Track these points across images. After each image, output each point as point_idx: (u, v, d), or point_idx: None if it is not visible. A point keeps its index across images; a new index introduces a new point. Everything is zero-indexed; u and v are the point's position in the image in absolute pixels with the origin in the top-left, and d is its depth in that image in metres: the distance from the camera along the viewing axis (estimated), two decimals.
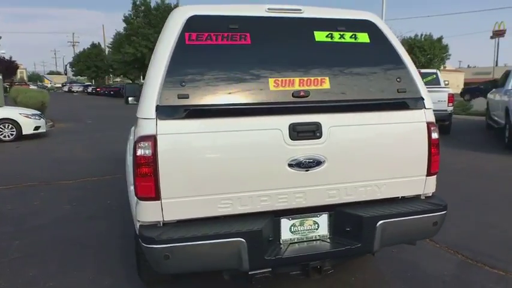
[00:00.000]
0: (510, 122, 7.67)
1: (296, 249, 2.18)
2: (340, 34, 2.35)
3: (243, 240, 2.00)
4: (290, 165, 2.13)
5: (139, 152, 1.97)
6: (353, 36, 2.38)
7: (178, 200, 2.03)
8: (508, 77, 8.82)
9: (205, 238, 1.97)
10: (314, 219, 2.27)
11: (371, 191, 2.30)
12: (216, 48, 2.15)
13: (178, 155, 2.00)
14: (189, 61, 2.09)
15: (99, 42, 59.65)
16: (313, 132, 2.14)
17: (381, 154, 2.29)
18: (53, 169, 7.24)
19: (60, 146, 9.93)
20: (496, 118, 8.97)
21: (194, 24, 2.15)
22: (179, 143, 2.00)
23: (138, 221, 2.09)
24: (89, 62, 56.55)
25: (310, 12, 2.39)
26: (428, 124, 2.34)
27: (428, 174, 2.38)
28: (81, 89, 55.68)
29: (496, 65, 37.92)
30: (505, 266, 3.15)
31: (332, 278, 2.87)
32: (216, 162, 2.06)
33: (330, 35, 2.34)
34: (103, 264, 3.36)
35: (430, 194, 2.47)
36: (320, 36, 2.32)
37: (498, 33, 36.09)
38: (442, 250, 3.50)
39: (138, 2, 34.05)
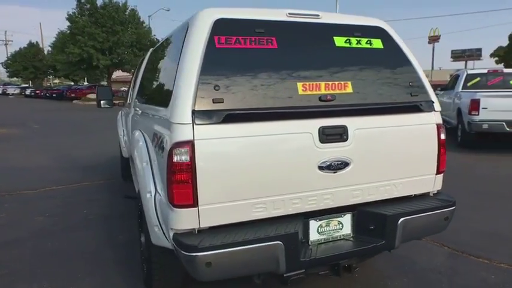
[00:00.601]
0: (462, 122, 8.32)
1: (325, 249, 2.23)
2: (357, 40, 2.45)
3: (281, 243, 2.01)
4: (320, 168, 2.18)
5: (176, 159, 1.92)
6: (368, 42, 2.48)
7: (214, 206, 2.00)
8: (457, 80, 9.57)
9: (245, 243, 1.95)
10: (339, 219, 2.34)
11: (389, 190, 2.41)
12: (245, 52, 2.14)
13: (215, 161, 1.97)
14: (221, 65, 2.07)
15: (37, 41, 56.07)
16: (340, 135, 2.21)
17: (398, 154, 2.41)
18: (12, 178, 6.73)
19: (12, 153, 9.21)
20: (447, 119, 9.69)
21: (221, 27, 2.13)
22: (216, 148, 1.97)
23: (172, 229, 2.02)
24: (26, 62, 52.91)
25: (327, 18, 2.46)
26: (438, 125, 2.50)
27: (438, 172, 2.54)
28: (17, 91, 51.99)
29: (432, 68, 40.80)
30: (487, 255, 3.43)
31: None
32: (251, 166, 2.05)
33: (348, 41, 2.42)
34: (100, 277, 3.20)
35: (436, 191, 2.64)
36: (339, 41, 2.40)
37: (433, 39, 38.98)
38: (429, 243, 3.72)
39: (83, 0, 32.44)
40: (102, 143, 10.62)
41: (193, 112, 1.95)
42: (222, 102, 1.99)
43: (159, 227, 2.38)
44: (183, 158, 1.92)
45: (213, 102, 1.98)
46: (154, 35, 35.18)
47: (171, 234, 2.03)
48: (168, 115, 2.03)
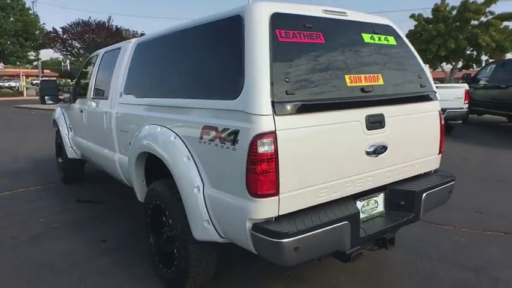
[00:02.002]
0: None
1: (371, 225, 2.46)
2: (378, 37, 2.71)
3: (348, 222, 2.18)
4: (367, 153, 2.40)
5: (261, 149, 1.95)
6: (386, 39, 2.77)
7: (290, 194, 2.07)
8: None
9: (323, 226, 2.07)
10: (375, 198, 2.59)
11: (410, 170, 2.75)
12: (302, 46, 2.24)
13: (293, 150, 2.05)
14: (286, 58, 2.14)
15: None
16: (379, 122, 2.45)
17: (416, 138, 2.75)
18: None
19: None
20: None
21: (279, 21, 2.20)
22: (292, 138, 2.05)
23: (251, 219, 2.04)
24: None
25: (352, 15, 2.67)
26: (439, 112, 2.92)
27: (439, 152, 2.96)
28: None
29: None
30: (452, 223, 4.06)
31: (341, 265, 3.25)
32: (318, 154, 2.18)
33: (372, 37, 2.68)
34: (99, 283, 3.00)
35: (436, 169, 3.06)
36: (367, 37, 2.64)
37: None
38: None
39: None
40: (18, 144, 9.46)
41: (273, 104, 1.99)
42: (294, 94, 2.07)
43: (209, 221, 2.36)
44: (267, 148, 1.96)
45: (286, 94, 2.05)
46: (44, 24, 31.58)
47: (249, 224, 2.04)
48: (243, 107, 2.03)
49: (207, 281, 2.77)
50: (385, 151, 2.48)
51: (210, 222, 2.36)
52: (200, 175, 2.38)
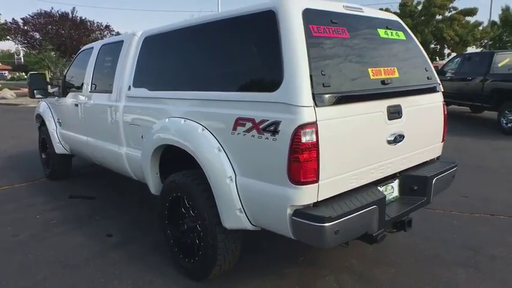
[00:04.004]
0: None
1: (391, 209, 2.62)
2: (390, 32, 2.87)
3: (376, 207, 2.33)
4: (388, 141, 2.56)
5: (304, 139, 2.05)
6: (397, 34, 2.93)
7: (327, 181, 2.19)
8: None
9: (358, 210, 2.21)
10: (391, 184, 2.76)
11: (420, 157, 2.95)
12: (331, 41, 2.35)
13: (330, 139, 2.16)
14: (320, 52, 2.24)
15: None
16: (398, 112, 2.62)
17: (426, 127, 2.95)
18: None
19: None
20: None
21: (310, 17, 2.29)
22: (330, 128, 2.16)
23: (292, 205, 2.14)
24: None
25: (367, 11, 2.81)
26: (443, 103, 3.13)
27: (442, 140, 3.19)
28: None
29: None
30: (442, 207, 4.34)
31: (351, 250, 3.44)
32: (350, 143, 2.31)
33: (386, 32, 2.83)
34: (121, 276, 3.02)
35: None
36: (382, 33, 2.79)
37: None
38: None
39: None
40: None
41: (313, 95, 2.09)
42: (329, 86, 2.18)
43: (241, 210, 2.44)
44: (310, 138, 2.06)
45: (323, 86, 2.16)
46: None
47: (290, 210, 2.14)
48: (284, 99, 2.11)
49: (230, 268, 2.85)
50: (402, 140, 2.65)
51: (242, 211, 2.44)
52: (232, 165, 2.45)
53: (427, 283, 2.87)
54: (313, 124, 2.07)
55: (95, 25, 22.37)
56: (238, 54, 2.57)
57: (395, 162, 2.70)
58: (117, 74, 3.71)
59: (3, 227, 4.06)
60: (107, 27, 23.08)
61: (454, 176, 3.15)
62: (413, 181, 2.82)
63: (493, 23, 26.76)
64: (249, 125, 2.30)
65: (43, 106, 5.68)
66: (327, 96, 2.15)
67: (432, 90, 3.02)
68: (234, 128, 2.39)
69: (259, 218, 2.41)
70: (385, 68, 2.63)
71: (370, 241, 2.48)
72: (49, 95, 5.14)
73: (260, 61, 2.41)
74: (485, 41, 23.66)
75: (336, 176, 2.24)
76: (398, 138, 2.61)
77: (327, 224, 2.07)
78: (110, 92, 3.78)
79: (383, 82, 2.56)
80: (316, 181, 2.13)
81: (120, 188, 5.39)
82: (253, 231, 2.55)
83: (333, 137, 2.18)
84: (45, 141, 5.81)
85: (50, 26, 20.27)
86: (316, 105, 2.09)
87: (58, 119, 5.23)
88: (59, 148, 5.35)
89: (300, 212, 2.13)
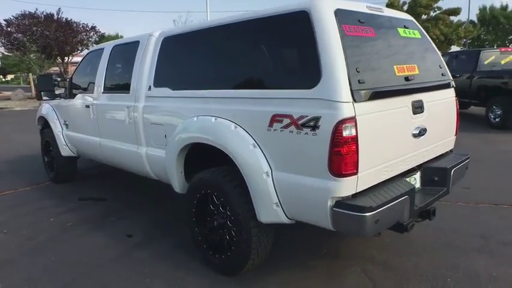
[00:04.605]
0: None
1: (417, 199, 2.74)
2: (408, 31, 3.00)
3: (408, 197, 2.46)
4: (413, 135, 2.69)
5: (345, 133, 2.15)
6: (413, 32, 3.07)
7: (365, 173, 2.30)
8: None
9: (393, 200, 2.33)
10: (414, 176, 2.90)
11: (438, 149, 3.10)
12: (361, 39, 2.46)
13: (367, 133, 2.27)
14: (354, 50, 2.34)
15: None
16: (420, 107, 2.75)
17: (442, 121, 3.10)
18: None
19: None
20: None
21: (342, 17, 2.39)
22: (366, 122, 2.26)
23: (333, 197, 2.24)
24: None
25: (386, 11, 2.94)
26: (455, 98, 3.29)
27: (455, 134, 3.34)
28: None
29: None
30: (446, 198, 4.48)
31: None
32: (382, 136, 2.42)
33: (405, 31, 2.96)
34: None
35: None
36: (401, 32, 2.92)
37: None
38: None
39: None
40: None
41: (352, 91, 2.20)
42: (364, 82, 2.29)
43: (277, 204, 2.53)
44: (350, 132, 2.16)
45: (359, 83, 2.26)
46: None
47: (331, 202, 2.24)
48: (324, 95, 2.20)
49: (262, 261, 2.93)
50: (425, 133, 2.78)
51: (279, 205, 2.52)
52: (267, 161, 2.53)
53: (448, 269, 3.01)
54: (353, 119, 2.18)
55: (81, 26, 22.02)
56: (271, 53, 2.65)
57: (418, 155, 2.83)
58: (134, 74, 3.74)
59: (17, 230, 4.04)
60: (93, 28, 22.78)
61: (467, 167, 3.31)
62: (434, 172, 2.96)
63: (471, 22, 27.58)
64: (286, 121, 2.38)
65: (47, 108, 5.63)
66: (363, 92, 2.26)
67: (446, 86, 3.17)
68: (270, 125, 2.47)
69: (296, 211, 2.50)
70: (407, 65, 2.76)
71: (401, 230, 2.60)
72: (57, 97, 5.10)
73: (295, 59, 2.50)
74: (465, 40, 24.37)
75: (371, 168, 2.35)
76: (422, 132, 2.74)
77: (368, 214, 2.17)
78: (127, 92, 3.80)
79: (406, 78, 2.69)
80: (356, 173, 2.23)
81: (129, 189, 5.41)
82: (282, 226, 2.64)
83: (368, 131, 2.29)
84: (48, 144, 5.77)
85: (34, 28, 19.86)
86: (354, 100, 2.20)
87: (65, 121, 5.21)
88: (65, 150, 5.32)
89: (341, 203, 2.23)
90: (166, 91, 3.35)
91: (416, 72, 2.83)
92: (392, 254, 3.30)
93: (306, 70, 2.37)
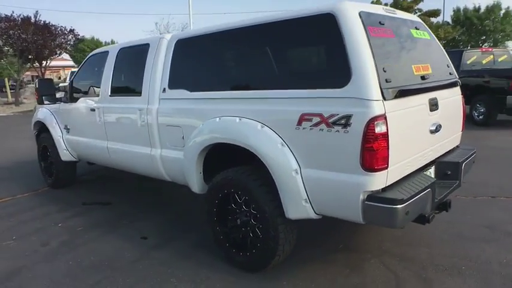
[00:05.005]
0: None
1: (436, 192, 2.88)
2: (419, 32, 3.15)
3: (430, 190, 2.58)
4: (430, 131, 2.82)
5: (378, 129, 2.25)
6: (423, 33, 3.22)
7: (393, 168, 2.41)
8: None
9: (420, 192, 2.45)
10: (430, 170, 3.03)
11: (448, 145, 3.25)
12: (384, 40, 2.58)
13: (395, 129, 2.38)
14: (379, 50, 2.45)
15: None
16: (435, 105, 2.89)
17: (453, 117, 3.26)
18: None
19: None
20: None
21: (365, 19, 2.50)
22: (395, 119, 2.37)
23: (366, 191, 2.34)
24: None
25: (399, 14, 3.07)
26: (462, 95, 3.46)
27: (462, 130, 3.51)
28: None
29: None
30: None
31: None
32: (407, 132, 2.54)
33: (417, 33, 3.10)
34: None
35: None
36: (414, 33, 3.06)
37: None
38: None
39: None
40: None
41: (381, 90, 2.31)
42: (390, 81, 2.40)
43: (306, 200, 2.61)
44: (382, 128, 2.27)
45: (386, 82, 2.37)
46: None
47: (363, 196, 2.34)
48: (355, 94, 2.30)
49: (286, 257, 3.00)
50: (440, 129, 2.92)
51: (308, 201, 2.61)
52: (296, 158, 2.61)
53: (461, 258, 3.17)
54: (383, 116, 2.28)
55: (59, 29, 21.52)
56: (298, 54, 2.75)
57: (434, 150, 2.97)
58: (146, 77, 3.75)
59: (26, 237, 3.98)
60: (71, 31, 22.30)
61: (474, 161, 3.48)
62: (447, 166, 3.11)
63: (447, 24, 28.53)
64: (316, 119, 2.47)
65: (44, 113, 5.53)
66: (390, 90, 2.37)
67: (454, 84, 3.33)
68: (299, 123, 2.55)
69: (325, 206, 2.59)
70: (422, 65, 2.90)
71: (423, 221, 2.72)
72: (58, 101, 5.03)
73: (323, 60, 2.60)
74: (444, 41, 25.16)
75: (398, 163, 2.47)
76: (438, 128, 2.88)
77: (399, 206, 2.29)
78: (139, 94, 3.80)
79: (422, 77, 2.83)
80: (386, 168, 2.34)
81: (131, 192, 5.39)
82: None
83: (396, 128, 2.40)
84: (45, 149, 5.67)
85: (11, 31, 19.29)
86: (384, 98, 2.31)
87: (65, 126, 5.13)
88: (65, 155, 5.25)
89: (373, 197, 2.33)
90: (183, 93, 3.38)
91: (430, 71, 2.97)
92: (406, 246, 3.43)
93: (335, 70, 2.47)
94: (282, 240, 2.82)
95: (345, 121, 2.35)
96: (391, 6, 22.86)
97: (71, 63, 41.39)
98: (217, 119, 3.03)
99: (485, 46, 27.89)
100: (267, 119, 2.74)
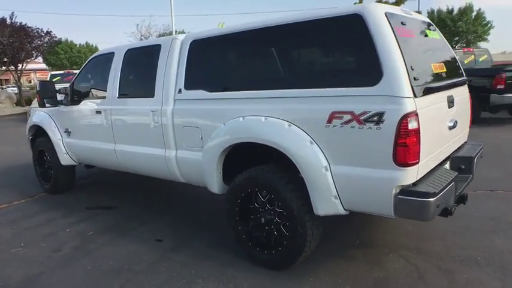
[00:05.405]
0: None
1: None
2: (431, 32, 3.27)
3: (454, 183, 2.69)
4: (449, 127, 2.94)
5: (410, 126, 2.34)
6: (435, 33, 3.34)
7: (423, 162, 2.50)
8: None
9: (447, 186, 2.55)
10: (446, 165, 3.15)
11: (460, 140, 3.38)
12: (408, 40, 2.67)
13: (425, 125, 2.46)
14: (406, 50, 2.53)
15: None
16: (452, 102, 3.01)
17: (463, 114, 3.39)
18: None
19: None
20: None
21: (392, 20, 2.58)
22: (424, 116, 2.46)
23: (399, 185, 2.41)
24: None
25: (413, 14, 3.18)
26: (469, 93, 3.60)
27: (470, 126, 3.66)
28: None
29: None
30: None
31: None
32: (433, 128, 2.64)
33: (430, 33, 3.22)
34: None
35: None
36: (429, 33, 3.17)
37: None
38: None
39: None
40: None
41: (412, 88, 2.39)
42: (418, 79, 2.49)
43: (336, 196, 2.67)
44: (414, 124, 2.35)
45: (415, 80, 2.46)
46: None
47: (395, 190, 2.42)
48: (388, 92, 2.37)
49: (311, 254, 3.05)
50: (456, 125, 3.04)
51: (337, 197, 2.67)
52: (325, 156, 2.67)
53: (474, 249, 3.30)
54: (415, 112, 2.37)
55: (35, 31, 20.90)
56: (325, 53, 2.80)
57: (451, 145, 3.09)
58: (159, 78, 3.72)
59: (35, 243, 3.87)
60: (48, 33, 21.67)
61: (482, 156, 3.63)
62: (461, 161, 3.23)
63: None
64: (347, 117, 2.53)
65: (41, 116, 5.40)
66: (419, 88, 2.46)
67: (464, 82, 3.47)
68: (329, 121, 2.60)
69: (354, 202, 2.65)
70: (439, 64, 3.02)
71: (446, 214, 2.82)
72: (59, 104, 4.91)
73: (352, 59, 2.66)
74: None
75: (426, 158, 2.56)
76: (455, 124, 3.00)
77: (432, 199, 2.37)
78: (151, 96, 3.77)
79: (440, 76, 2.94)
80: (418, 162, 2.43)
81: (133, 195, 5.33)
82: None
83: (425, 124, 2.49)
84: (42, 153, 5.53)
85: None
86: (415, 96, 2.39)
87: (66, 129, 5.02)
88: (65, 159, 5.14)
89: (406, 191, 2.42)
90: (201, 93, 3.37)
91: (444, 70, 3.10)
92: (420, 240, 3.54)
93: (365, 69, 2.54)
94: (310, 236, 2.86)
95: (377, 118, 2.42)
96: None
97: (43, 66, 40.27)
98: (241, 118, 3.05)
99: (458, 47, 28.89)
100: (294, 117, 2.78)
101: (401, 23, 2.73)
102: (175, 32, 22.26)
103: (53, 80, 16.89)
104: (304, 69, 2.89)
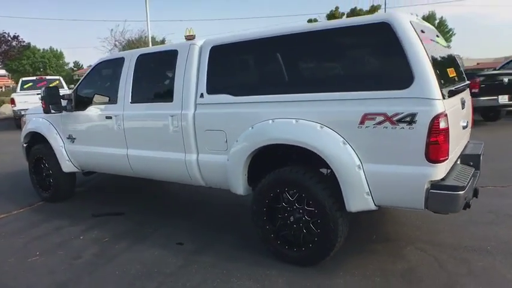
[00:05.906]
0: None
1: None
2: (440, 39, 3.53)
3: (473, 178, 2.93)
4: (462, 127, 3.19)
5: (442, 125, 2.55)
6: (442, 41, 3.60)
7: (449, 159, 2.71)
8: None
9: (470, 180, 2.78)
10: (458, 162, 3.40)
11: (466, 139, 3.65)
12: (430, 46, 2.89)
13: (451, 125, 2.68)
14: (431, 55, 2.75)
15: None
16: (463, 103, 3.27)
17: (469, 115, 3.67)
18: None
19: None
20: None
21: (415, 27, 2.80)
22: (450, 116, 2.68)
23: (431, 180, 2.61)
24: None
25: (422, 21, 3.43)
26: (471, 97, 3.90)
27: (472, 127, 3.95)
28: None
29: None
30: None
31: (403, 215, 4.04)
32: (454, 128, 2.86)
33: (440, 40, 3.48)
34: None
35: None
36: (439, 40, 3.43)
37: (189, 38, 43.28)
38: None
39: None
40: None
41: (441, 90, 2.60)
42: (443, 83, 2.72)
43: (368, 193, 2.84)
44: (444, 124, 2.56)
45: (441, 83, 2.68)
46: None
47: (427, 185, 2.61)
48: (419, 94, 2.57)
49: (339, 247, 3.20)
50: (467, 125, 3.30)
51: (369, 193, 2.83)
52: (357, 155, 2.83)
53: (482, 240, 3.56)
54: (444, 113, 2.58)
55: (1, 36, 20.07)
56: (356, 58, 2.97)
57: (461, 144, 3.34)
58: (178, 83, 3.77)
59: (51, 251, 3.81)
60: (15, 37, 20.89)
61: (483, 154, 3.93)
62: (469, 158, 3.49)
63: None
64: (379, 118, 2.71)
65: (39, 123, 5.28)
66: (445, 90, 2.68)
67: (468, 86, 3.76)
68: (361, 122, 2.77)
69: (386, 197, 2.83)
70: (451, 69, 3.27)
71: (465, 207, 3.05)
72: (64, 110, 4.83)
73: (383, 64, 2.85)
74: None
75: (450, 155, 2.78)
76: (467, 124, 3.26)
77: (461, 192, 2.59)
78: (169, 101, 3.82)
79: (454, 79, 3.19)
80: (447, 159, 2.64)
81: (138, 200, 5.31)
82: None
83: (452, 123, 2.71)
84: (40, 161, 5.40)
85: None
86: (443, 98, 2.61)
87: (70, 135, 4.94)
88: (67, 166, 5.05)
89: (437, 185, 2.62)
90: (226, 97, 3.46)
91: (455, 74, 3.36)
92: (431, 233, 3.78)
93: (397, 73, 2.73)
94: (341, 232, 3.01)
95: (410, 119, 2.61)
96: (347, 16, 24.38)
97: (2, 72, 38.65)
98: (270, 121, 3.17)
99: None
100: (326, 119, 2.93)
101: (422, 31, 2.95)
102: (151, 38, 22.03)
103: (24, 86, 16.41)
104: (334, 73, 3.05)
